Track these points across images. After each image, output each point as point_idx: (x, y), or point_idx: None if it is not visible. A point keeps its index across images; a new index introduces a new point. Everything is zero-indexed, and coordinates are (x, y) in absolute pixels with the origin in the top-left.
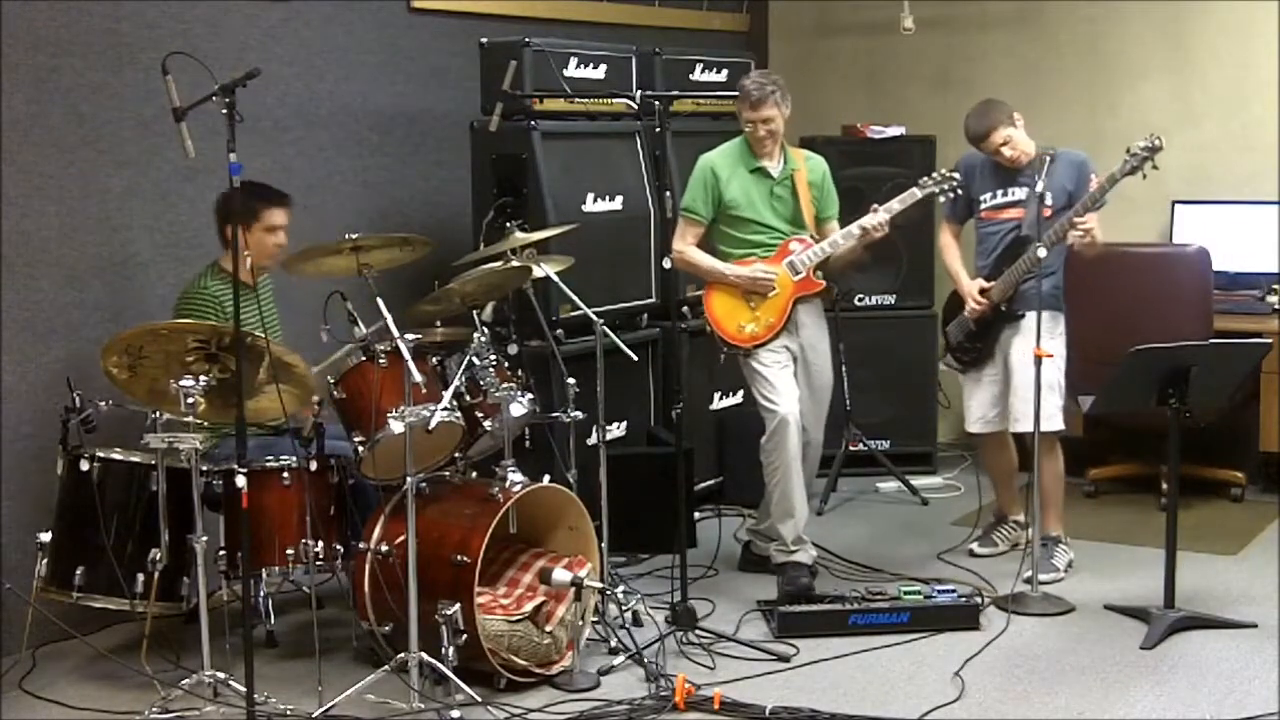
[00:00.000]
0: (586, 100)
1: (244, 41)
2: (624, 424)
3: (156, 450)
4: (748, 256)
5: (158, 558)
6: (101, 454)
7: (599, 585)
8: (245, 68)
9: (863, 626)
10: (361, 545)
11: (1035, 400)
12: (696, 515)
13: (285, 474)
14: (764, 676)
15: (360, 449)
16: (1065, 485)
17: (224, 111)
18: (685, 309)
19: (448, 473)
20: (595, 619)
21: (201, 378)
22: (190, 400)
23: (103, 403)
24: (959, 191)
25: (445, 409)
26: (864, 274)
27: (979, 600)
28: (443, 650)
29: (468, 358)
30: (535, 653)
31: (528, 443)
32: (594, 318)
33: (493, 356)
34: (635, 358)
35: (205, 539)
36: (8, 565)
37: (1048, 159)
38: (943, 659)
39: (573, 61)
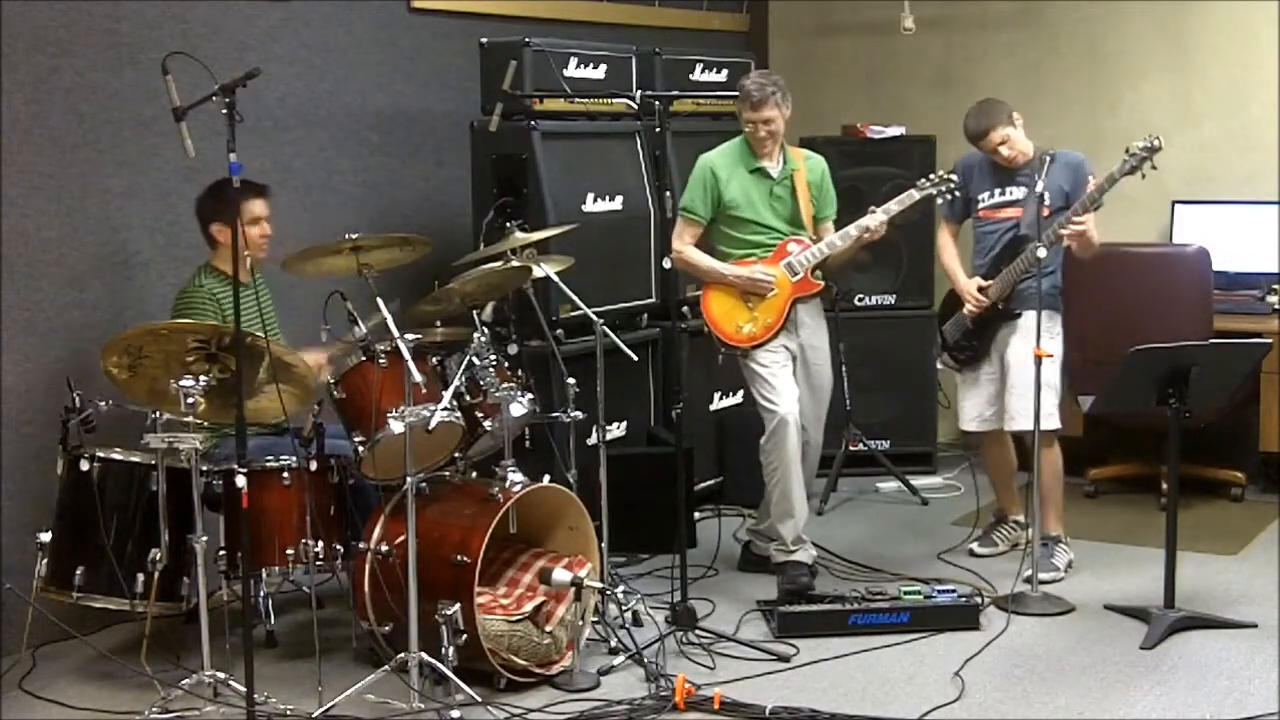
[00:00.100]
0: (586, 100)
1: (244, 41)
2: (624, 424)
3: (156, 450)
4: (747, 257)
5: (158, 558)
6: (101, 454)
7: (599, 585)
8: (245, 68)
9: (863, 626)
10: (361, 545)
11: (1035, 400)
12: (696, 515)
13: (285, 474)
14: (764, 676)
15: (360, 449)
16: (1065, 485)
17: (224, 111)
18: (685, 309)
19: (448, 473)
20: (595, 619)
21: (201, 378)
22: (190, 400)
23: (103, 403)
24: (957, 193)
25: (445, 409)
26: (864, 274)
27: (979, 600)
28: (443, 650)
29: (468, 358)
30: (535, 653)
31: (528, 443)
32: (594, 318)
33: (493, 356)
34: (635, 358)
35: (205, 539)
36: (8, 565)
37: (1048, 159)
38: (943, 659)
39: (573, 61)
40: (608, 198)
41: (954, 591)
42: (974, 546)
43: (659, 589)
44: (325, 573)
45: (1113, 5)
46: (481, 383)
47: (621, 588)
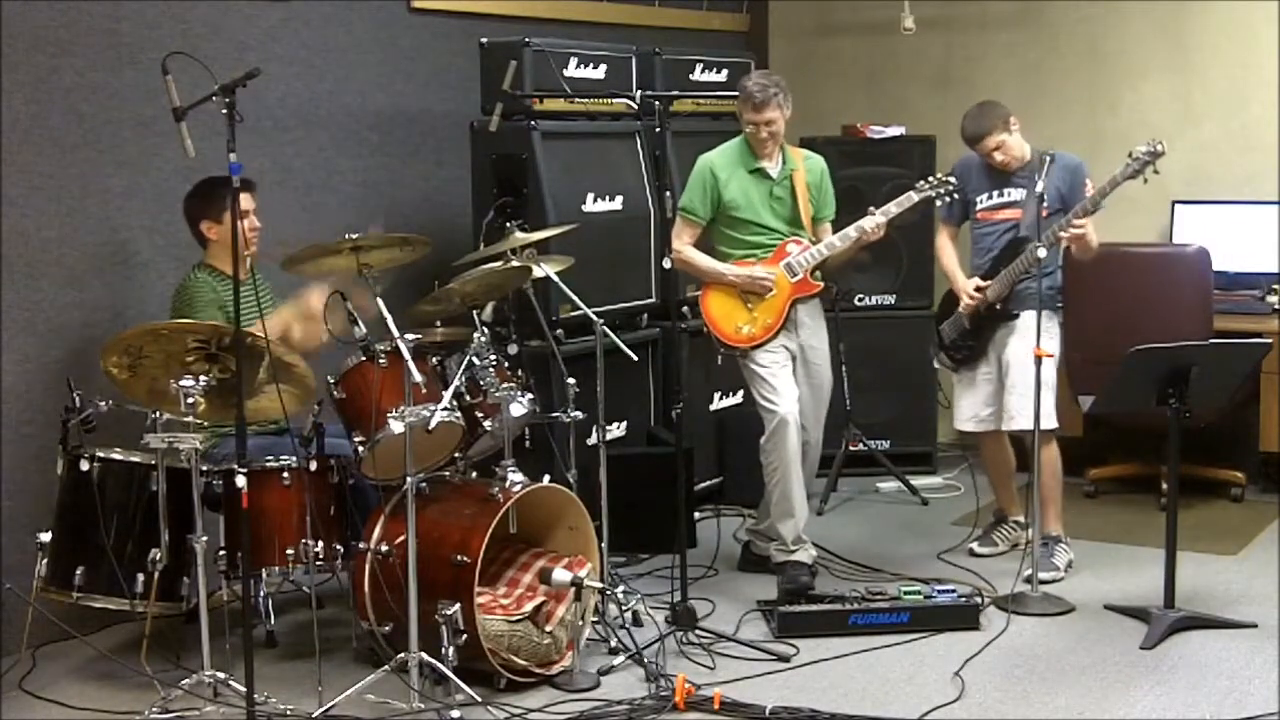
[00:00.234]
0: (586, 100)
1: (244, 41)
2: (624, 424)
3: (156, 450)
4: (747, 257)
5: (158, 558)
6: (101, 454)
7: (599, 585)
8: (245, 68)
9: (863, 626)
10: (361, 545)
11: (1035, 400)
12: (696, 515)
13: (285, 474)
14: (764, 676)
15: (360, 449)
16: (1065, 485)
17: (224, 111)
18: (685, 309)
19: (448, 473)
20: (595, 619)
21: (201, 378)
22: (190, 400)
23: (103, 403)
24: (955, 195)
25: (445, 409)
26: (864, 274)
27: (979, 600)
28: (443, 650)
29: (468, 358)
30: (535, 653)
31: (528, 443)
32: (594, 318)
33: (493, 356)
34: (635, 358)
35: (205, 539)
36: (8, 565)
37: (1047, 159)
38: (943, 659)
39: (573, 61)
40: (608, 198)
41: (954, 591)
42: (974, 546)
43: (659, 589)
44: (325, 573)
45: (1113, 5)
46: (481, 383)
47: (621, 588)
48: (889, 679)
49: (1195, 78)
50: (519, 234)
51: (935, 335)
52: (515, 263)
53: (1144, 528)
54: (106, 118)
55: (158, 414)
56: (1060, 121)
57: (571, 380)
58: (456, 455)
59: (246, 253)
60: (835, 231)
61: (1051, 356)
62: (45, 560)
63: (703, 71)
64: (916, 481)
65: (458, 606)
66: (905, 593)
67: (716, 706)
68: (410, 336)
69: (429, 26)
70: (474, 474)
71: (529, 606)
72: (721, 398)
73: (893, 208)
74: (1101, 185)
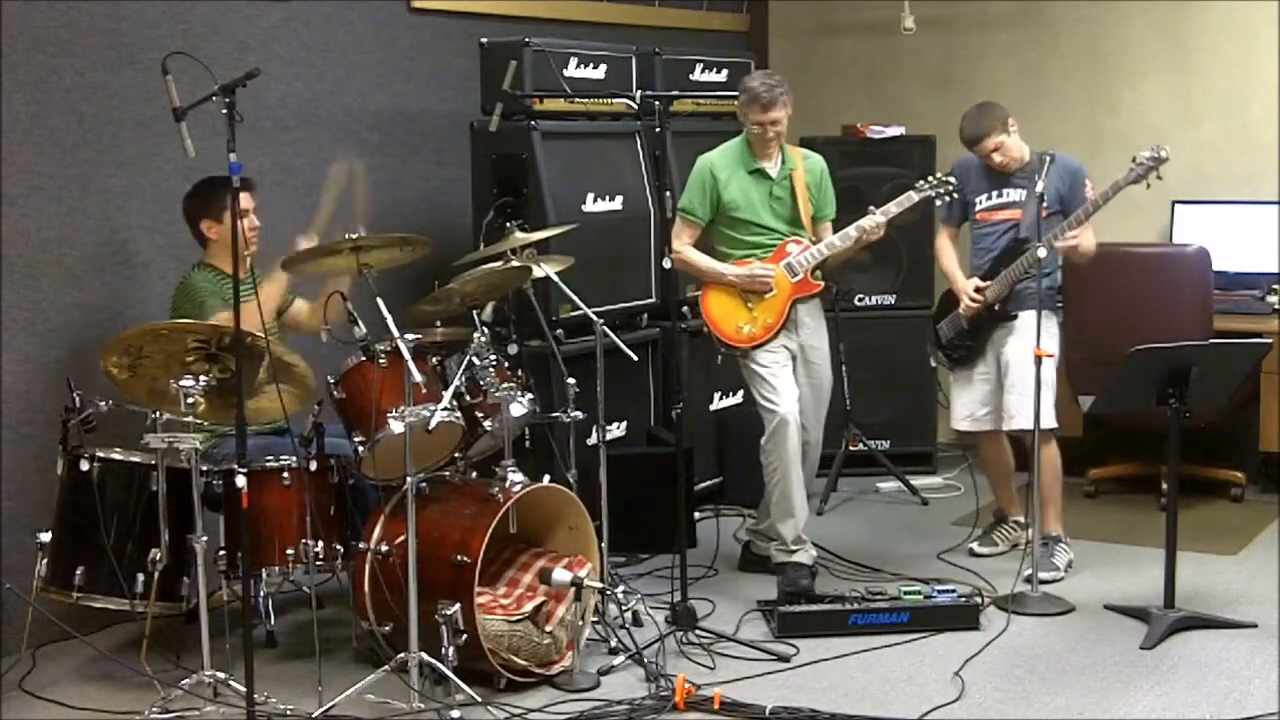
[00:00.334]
0: (586, 100)
1: (244, 41)
2: (624, 424)
3: (156, 450)
4: (747, 258)
5: (158, 558)
6: (101, 454)
7: (599, 585)
8: (245, 68)
9: (863, 626)
10: (361, 545)
11: (1035, 400)
12: (696, 515)
13: (285, 474)
14: (764, 676)
15: (360, 449)
16: (1065, 485)
17: (224, 111)
18: (685, 309)
19: (448, 473)
20: (595, 619)
21: (201, 378)
22: (190, 400)
23: (103, 403)
24: (955, 195)
25: (445, 409)
26: (864, 274)
27: (979, 600)
28: (443, 650)
29: (468, 358)
30: (535, 653)
31: (528, 443)
32: (594, 318)
33: (493, 356)
34: (635, 358)
35: (205, 539)
36: (8, 565)
37: (1047, 159)
38: (943, 659)
39: (573, 61)
40: (608, 198)
41: (954, 591)
42: (974, 546)
43: (659, 589)
44: (325, 573)
45: (1113, 5)
46: (481, 383)
47: (621, 588)
48: (889, 679)
49: (1195, 78)
50: (519, 234)
51: (932, 333)
52: (515, 263)
53: (1144, 528)
54: (106, 118)
55: (158, 414)
56: (1060, 121)
57: (571, 380)
58: (456, 455)
59: (246, 252)
60: (836, 231)
61: (1051, 356)
62: (45, 560)
63: (703, 71)
64: (916, 481)
65: (458, 606)
66: (905, 593)
67: (716, 706)
68: (410, 336)
69: (429, 26)
70: (474, 474)
71: (529, 606)
72: (721, 398)
73: (892, 207)
74: (1104, 189)
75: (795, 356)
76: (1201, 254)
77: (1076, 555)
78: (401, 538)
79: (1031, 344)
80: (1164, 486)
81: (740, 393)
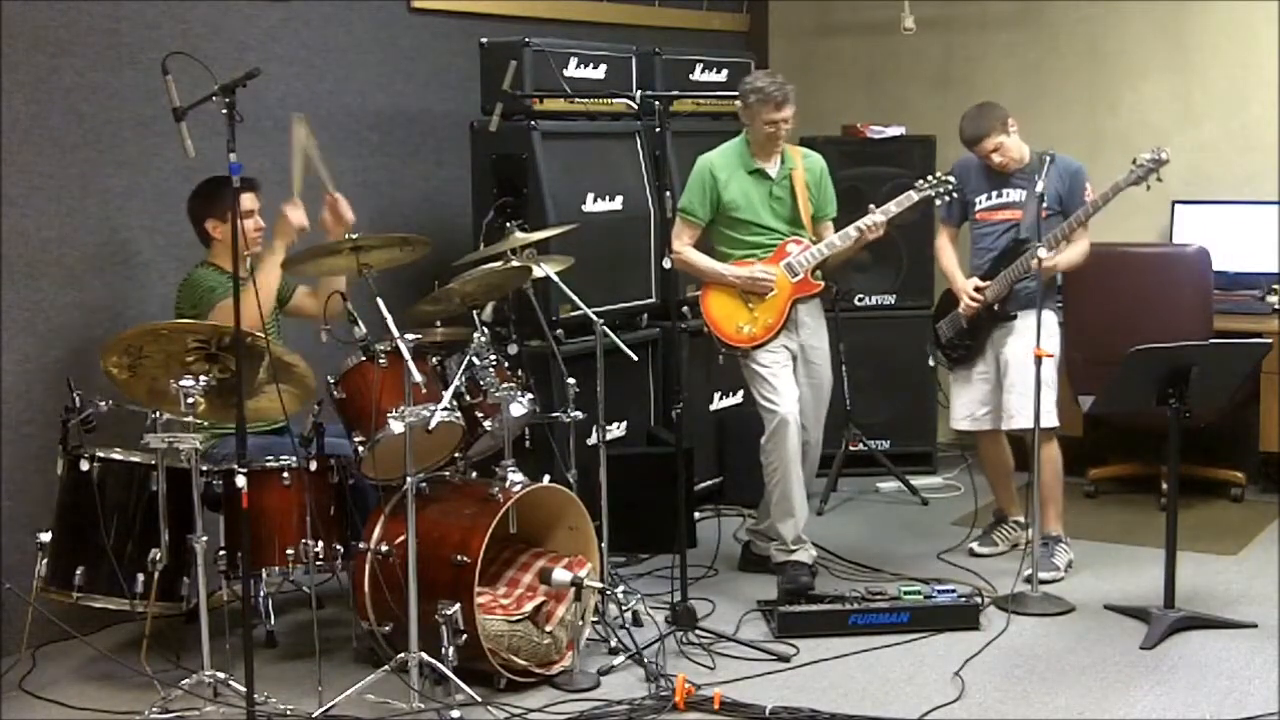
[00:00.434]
0: (586, 100)
1: (244, 41)
2: (624, 424)
3: (156, 450)
4: (747, 258)
5: (158, 558)
6: (101, 454)
7: (599, 585)
8: (245, 68)
9: (863, 626)
10: (361, 545)
11: (1035, 400)
12: (696, 515)
13: (285, 474)
14: (764, 676)
15: (360, 449)
16: (1065, 485)
17: (224, 111)
18: (685, 309)
19: (448, 473)
20: (595, 619)
21: (201, 378)
22: (190, 400)
23: (103, 403)
24: (955, 195)
25: (445, 409)
26: (864, 274)
27: (979, 600)
28: (443, 650)
29: (468, 358)
30: (535, 653)
31: (528, 443)
32: (594, 318)
33: (493, 356)
34: (635, 358)
35: (205, 539)
36: (8, 565)
37: (1047, 159)
38: (943, 659)
39: (573, 61)
40: (608, 198)
41: (954, 591)
42: (974, 546)
43: (659, 589)
44: (325, 573)
45: (1113, 5)
46: (481, 383)
47: (621, 588)
48: (889, 679)
49: (1195, 78)
50: (519, 234)
51: (932, 333)
52: (515, 263)
53: (1144, 528)
54: (106, 118)
55: (158, 414)
56: (1060, 121)
57: (571, 380)
58: (456, 455)
59: (248, 252)
60: (836, 231)
61: (1051, 356)
62: (45, 560)
63: (703, 71)
64: (916, 481)
65: (458, 606)
66: (905, 593)
67: (716, 706)
68: (410, 336)
69: (429, 26)
70: (474, 474)
71: (529, 606)
72: (721, 398)
73: (892, 207)
74: (1104, 191)
75: (795, 356)
76: (1201, 254)
77: (1076, 555)
78: (401, 538)
79: (1031, 344)
80: (1164, 486)
81: (740, 393)
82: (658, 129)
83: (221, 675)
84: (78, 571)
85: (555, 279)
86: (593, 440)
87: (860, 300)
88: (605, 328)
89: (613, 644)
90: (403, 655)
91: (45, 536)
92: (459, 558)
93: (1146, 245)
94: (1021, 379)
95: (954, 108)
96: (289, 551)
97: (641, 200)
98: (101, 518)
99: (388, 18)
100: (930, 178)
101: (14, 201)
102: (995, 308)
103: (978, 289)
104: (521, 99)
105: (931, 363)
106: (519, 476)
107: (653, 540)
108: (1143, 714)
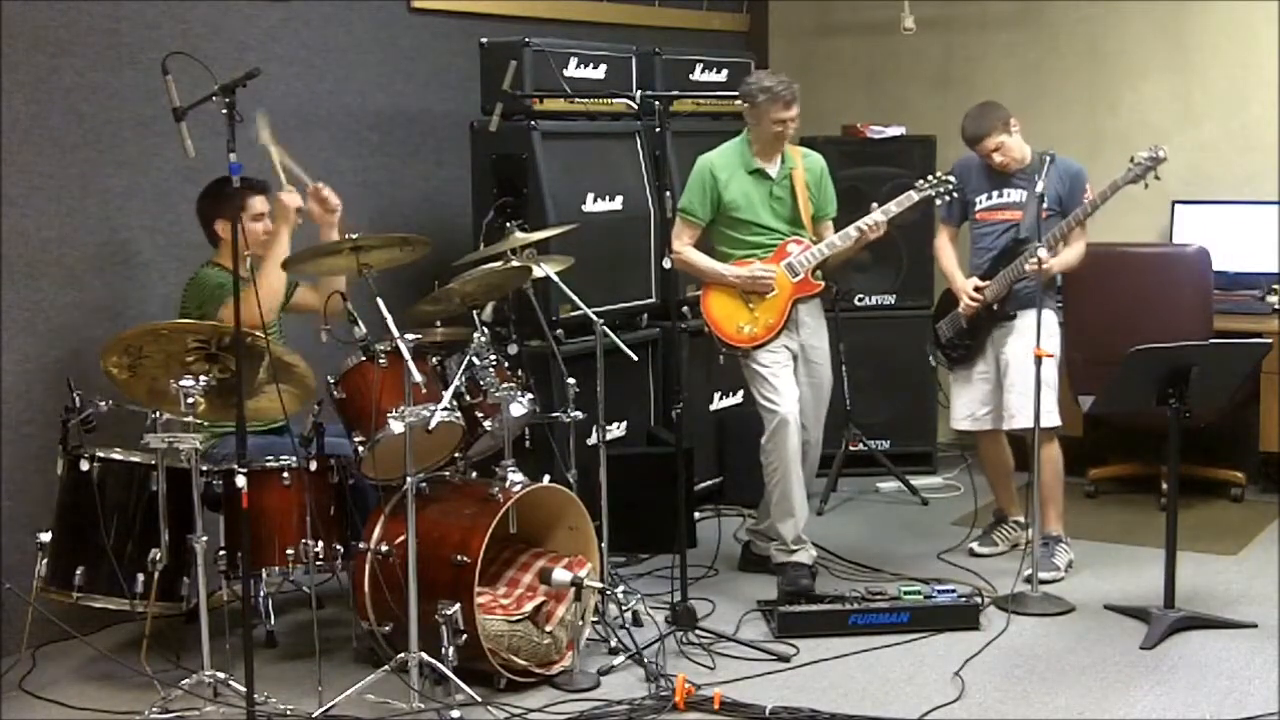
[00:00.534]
0: (586, 100)
1: (244, 41)
2: (624, 424)
3: (156, 450)
4: (747, 258)
5: (158, 558)
6: (101, 454)
7: (599, 585)
8: (245, 68)
9: (863, 626)
10: (361, 545)
11: (1035, 400)
12: (696, 515)
13: (285, 474)
14: (764, 676)
15: (360, 449)
16: (1065, 485)
17: (224, 111)
18: (685, 309)
19: (448, 473)
20: (595, 619)
21: (201, 378)
22: (190, 400)
23: (103, 403)
24: (955, 195)
25: (445, 409)
26: (864, 274)
27: (979, 600)
28: (443, 650)
29: (468, 358)
30: (535, 653)
31: (528, 443)
32: (594, 318)
33: (493, 356)
34: (635, 358)
35: (205, 539)
36: (8, 565)
37: (1048, 159)
38: (943, 659)
39: (573, 61)
40: (608, 198)
41: (954, 591)
42: (974, 546)
43: (659, 589)
44: (325, 573)
45: (1113, 5)
46: (481, 383)
47: (621, 588)
48: (889, 679)
49: (1195, 78)
50: (519, 234)
51: (932, 333)
52: (515, 263)
53: (1144, 528)
54: (106, 118)
55: (158, 414)
56: (1060, 121)
57: (571, 380)
58: (456, 455)
59: (254, 253)
60: (837, 231)
61: (1052, 356)
62: (45, 560)
63: (703, 71)
64: (916, 481)
65: (458, 606)
66: (905, 593)
67: (716, 706)
68: (410, 336)
69: (429, 26)
70: (474, 474)
71: (529, 606)
72: (721, 398)
73: (893, 206)
74: (1102, 189)
75: (796, 356)
76: (1201, 254)
77: (1076, 555)
78: (401, 538)
79: (1031, 343)
80: (1164, 486)
81: (740, 393)
82: (658, 129)
83: (221, 675)
84: (78, 571)
85: (555, 279)
86: (593, 440)
87: (860, 300)
88: (605, 328)
89: (613, 644)
90: (403, 655)
91: (45, 536)
92: (459, 558)
93: (1146, 245)
94: (1022, 379)
95: (954, 108)
96: (289, 551)
97: (641, 200)
98: (101, 518)
99: (388, 18)
100: (930, 177)
101: (14, 201)
102: (995, 307)
103: (977, 289)
104: (521, 99)
105: (932, 363)
106: (519, 476)
107: (653, 540)
108: (1143, 714)
